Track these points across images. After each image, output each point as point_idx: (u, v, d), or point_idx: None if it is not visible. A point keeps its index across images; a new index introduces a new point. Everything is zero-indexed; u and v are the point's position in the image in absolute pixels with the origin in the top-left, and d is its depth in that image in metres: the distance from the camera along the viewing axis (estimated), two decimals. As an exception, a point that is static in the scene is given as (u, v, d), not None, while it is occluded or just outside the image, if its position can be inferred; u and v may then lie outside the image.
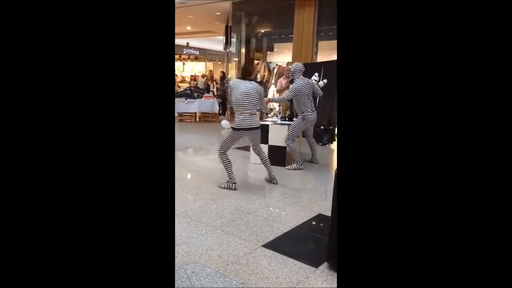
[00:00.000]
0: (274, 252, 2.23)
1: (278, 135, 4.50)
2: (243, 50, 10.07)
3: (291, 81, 4.38)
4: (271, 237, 2.45)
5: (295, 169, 4.37)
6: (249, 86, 3.41)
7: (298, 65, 4.36)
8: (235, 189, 3.47)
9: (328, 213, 2.21)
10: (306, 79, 4.36)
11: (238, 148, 5.62)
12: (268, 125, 4.55)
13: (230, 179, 3.50)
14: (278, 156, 4.47)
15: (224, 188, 3.50)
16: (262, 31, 10.43)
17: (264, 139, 4.48)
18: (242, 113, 3.40)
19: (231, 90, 3.46)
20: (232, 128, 3.48)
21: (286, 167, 4.43)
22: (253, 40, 10.64)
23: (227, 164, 3.50)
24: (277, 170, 4.45)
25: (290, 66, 7.08)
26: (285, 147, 4.48)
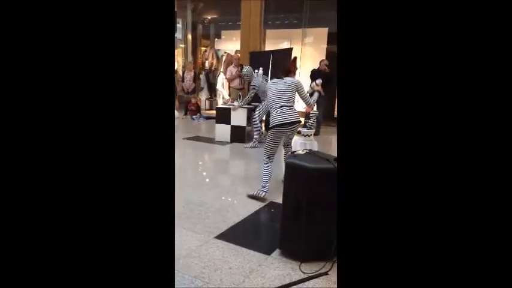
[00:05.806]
0: (227, 242, 2.23)
1: (238, 117, 5.38)
2: (190, 36, 9.78)
3: (249, 83, 5.12)
4: (224, 228, 2.44)
5: (252, 147, 5.04)
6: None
7: (249, 68, 5.16)
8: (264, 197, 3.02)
9: (279, 201, 2.25)
10: (258, 73, 5.26)
11: (187, 138, 5.50)
12: (230, 108, 5.44)
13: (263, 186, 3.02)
14: (239, 135, 5.41)
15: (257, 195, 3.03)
16: (209, 17, 10.18)
17: (227, 120, 5.41)
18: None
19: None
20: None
21: (245, 146, 5.09)
22: (200, 26, 10.35)
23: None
24: (235, 148, 4.63)
25: (239, 55, 7.07)
26: (244, 127, 5.38)
